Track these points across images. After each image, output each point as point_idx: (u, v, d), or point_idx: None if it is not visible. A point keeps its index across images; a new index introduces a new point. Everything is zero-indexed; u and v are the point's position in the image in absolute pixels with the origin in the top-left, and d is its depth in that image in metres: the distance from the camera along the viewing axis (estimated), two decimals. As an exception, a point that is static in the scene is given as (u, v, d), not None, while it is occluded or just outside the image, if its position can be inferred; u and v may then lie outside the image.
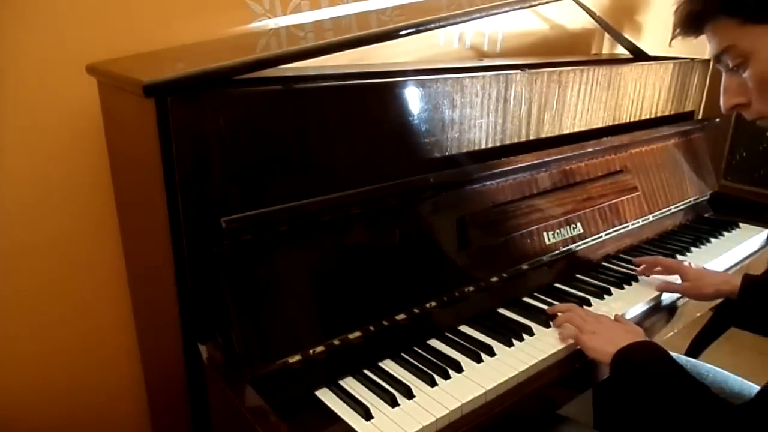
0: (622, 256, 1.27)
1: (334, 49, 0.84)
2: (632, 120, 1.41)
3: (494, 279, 1.04)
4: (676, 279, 1.11)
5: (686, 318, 1.14)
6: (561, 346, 0.91)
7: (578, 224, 1.18)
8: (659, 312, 1.08)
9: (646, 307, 1.08)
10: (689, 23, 0.72)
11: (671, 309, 1.10)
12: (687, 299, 1.11)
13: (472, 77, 1.02)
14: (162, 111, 0.73)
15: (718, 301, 1.10)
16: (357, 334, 0.87)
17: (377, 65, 1.22)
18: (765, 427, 0.67)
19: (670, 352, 0.81)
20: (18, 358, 1.06)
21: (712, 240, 1.38)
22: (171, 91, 0.72)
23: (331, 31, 1.19)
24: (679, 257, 1.27)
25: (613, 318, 0.95)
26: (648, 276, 1.15)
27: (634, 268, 1.18)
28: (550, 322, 0.97)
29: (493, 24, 1.53)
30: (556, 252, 1.14)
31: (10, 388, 1.07)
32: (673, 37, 0.76)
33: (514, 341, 0.93)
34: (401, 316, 0.92)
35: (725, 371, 1.07)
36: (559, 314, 0.97)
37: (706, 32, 0.72)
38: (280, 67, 0.82)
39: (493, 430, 0.80)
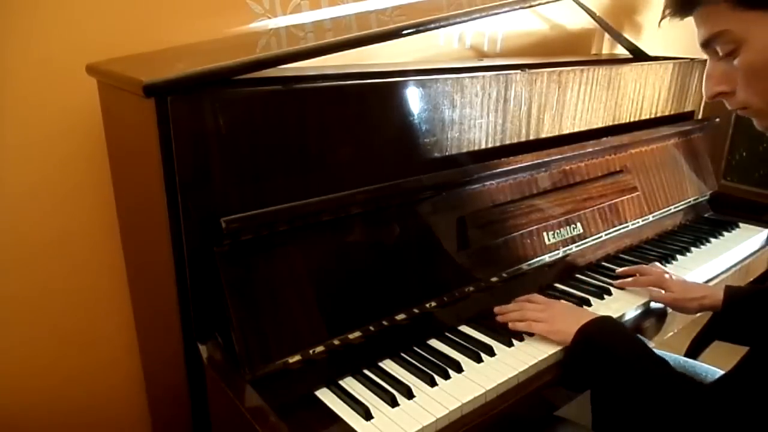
0: (622, 256, 1.27)
1: (334, 49, 0.84)
2: (632, 120, 1.41)
3: (494, 279, 1.04)
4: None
5: (685, 318, 1.13)
6: (561, 346, 0.91)
7: (578, 224, 1.18)
8: (659, 312, 1.08)
9: (646, 307, 1.08)
10: (680, 4, 0.69)
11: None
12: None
13: (472, 77, 1.02)
14: (162, 111, 0.73)
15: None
16: (357, 334, 0.87)
17: (377, 65, 1.22)
18: (729, 403, 0.68)
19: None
20: (17, 359, 1.06)
21: (712, 240, 1.38)
22: (171, 91, 0.72)
23: (331, 31, 1.19)
24: (679, 257, 1.28)
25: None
26: (625, 288, 1.12)
27: (632, 269, 1.16)
28: (513, 346, 0.92)
29: (493, 24, 1.53)
30: (556, 252, 1.14)
31: (10, 388, 1.07)
32: (662, 18, 0.73)
33: (514, 341, 0.92)
34: (401, 316, 0.92)
35: (724, 371, 1.07)
36: (512, 315, 0.97)
37: (695, 16, 0.69)
38: (280, 67, 0.82)
39: (493, 431, 0.81)
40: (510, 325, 0.95)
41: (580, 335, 0.85)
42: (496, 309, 0.99)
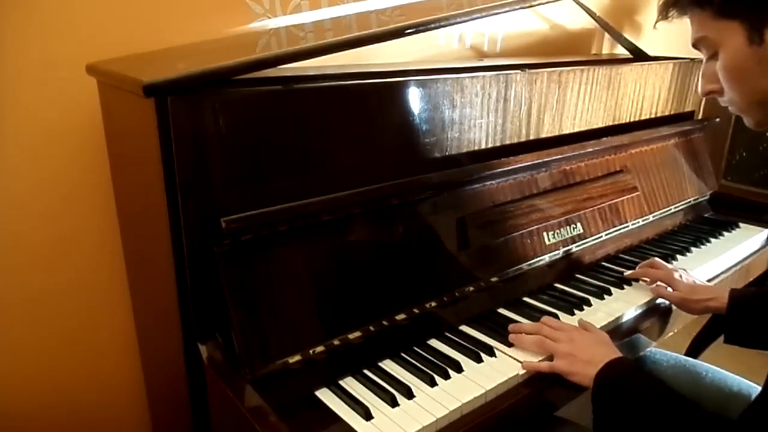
0: (622, 256, 1.27)
1: (334, 49, 0.84)
2: (632, 120, 1.41)
3: (494, 279, 1.04)
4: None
5: (685, 318, 1.14)
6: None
7: (578, 224, 1.18)
8: (659, 312, 1.08)
9: (646, 307, 1.08)
10: (667, 10, 0.77)
11: (671, 309, 1.09)
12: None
13: (472, 77, 1.02)
14: (162, 111, 0.73)
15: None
16: (357, 334, 0.87)
17: (377, 65, 1.22)
18: None
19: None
20: (18, 359, 1.06)
21: (712, 240, 1.38)
22: (171, 91, 0.72)
23: (331, 31, 1.19)
24: (679, 257, 1.28)
25: (577, 325, 0.92)
26: (636, 278, 1.14)
27: (632, 269, 1.16)
28: (513, 346, 0.91)
29: (493, 24, 1.53)
30: (556, 252, 1.14)
31: (10, 388, 1.07)
32: (656, 21, 0.80)
33: (514, 341, 0.92)
34: (401, 316, 0.92)
35: (724, 371, 1.07)
36: (523, 334, 0.92)
37: (689, 18, 0.76)
38: (280, 67, 0.82)
39: (493, 431, 0.81)
40: (525, 346, 0.90)
41: (601, 379, 0.79)
42: (511, 327, 0.94)
